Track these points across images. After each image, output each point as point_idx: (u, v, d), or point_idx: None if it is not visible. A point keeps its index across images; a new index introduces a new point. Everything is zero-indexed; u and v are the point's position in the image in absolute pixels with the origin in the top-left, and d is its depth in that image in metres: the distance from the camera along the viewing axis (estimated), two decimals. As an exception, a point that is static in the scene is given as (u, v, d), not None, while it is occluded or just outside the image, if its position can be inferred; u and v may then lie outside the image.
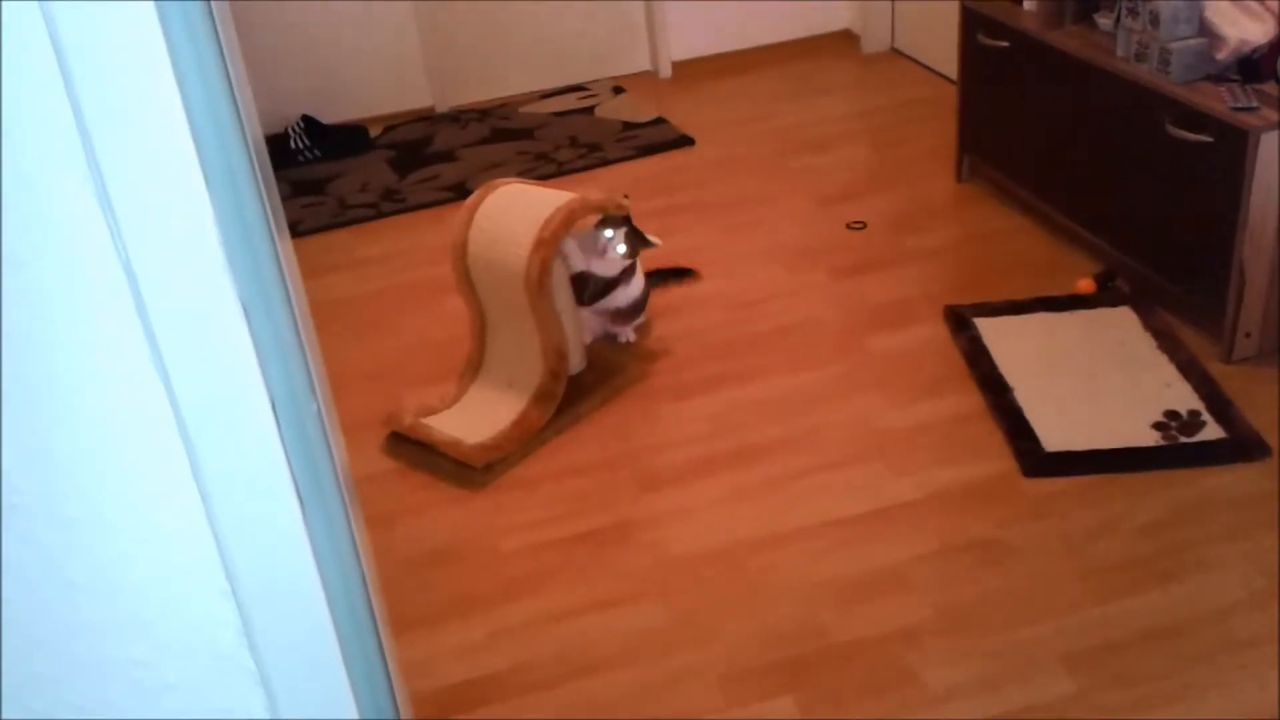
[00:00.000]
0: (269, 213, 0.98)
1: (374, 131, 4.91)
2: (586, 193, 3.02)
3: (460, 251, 3.06)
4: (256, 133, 1.02)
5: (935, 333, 3.22)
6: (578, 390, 3.07)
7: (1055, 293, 3.32)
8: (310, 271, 3.93)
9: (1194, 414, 2.79)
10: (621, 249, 3.05)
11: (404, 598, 2.51)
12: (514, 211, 3.01)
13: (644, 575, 2.50)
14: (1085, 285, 3.32)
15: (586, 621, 2.40)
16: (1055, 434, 2.76)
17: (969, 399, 2.95)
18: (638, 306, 3.25)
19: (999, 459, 2.73)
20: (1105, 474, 2.65)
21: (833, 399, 3.00)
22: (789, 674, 2.23)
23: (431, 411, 3.07)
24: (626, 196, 3.07)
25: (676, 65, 5.26)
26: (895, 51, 5.22)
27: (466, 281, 3.08)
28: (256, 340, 0.94)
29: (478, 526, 2.70)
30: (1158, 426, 2.77)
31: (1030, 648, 2.24)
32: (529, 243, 2.90)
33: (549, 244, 2.90)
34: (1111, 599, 2.32)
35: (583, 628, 2.38)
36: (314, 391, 1.01)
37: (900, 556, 2.48)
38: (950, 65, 4.67)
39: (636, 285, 3.21)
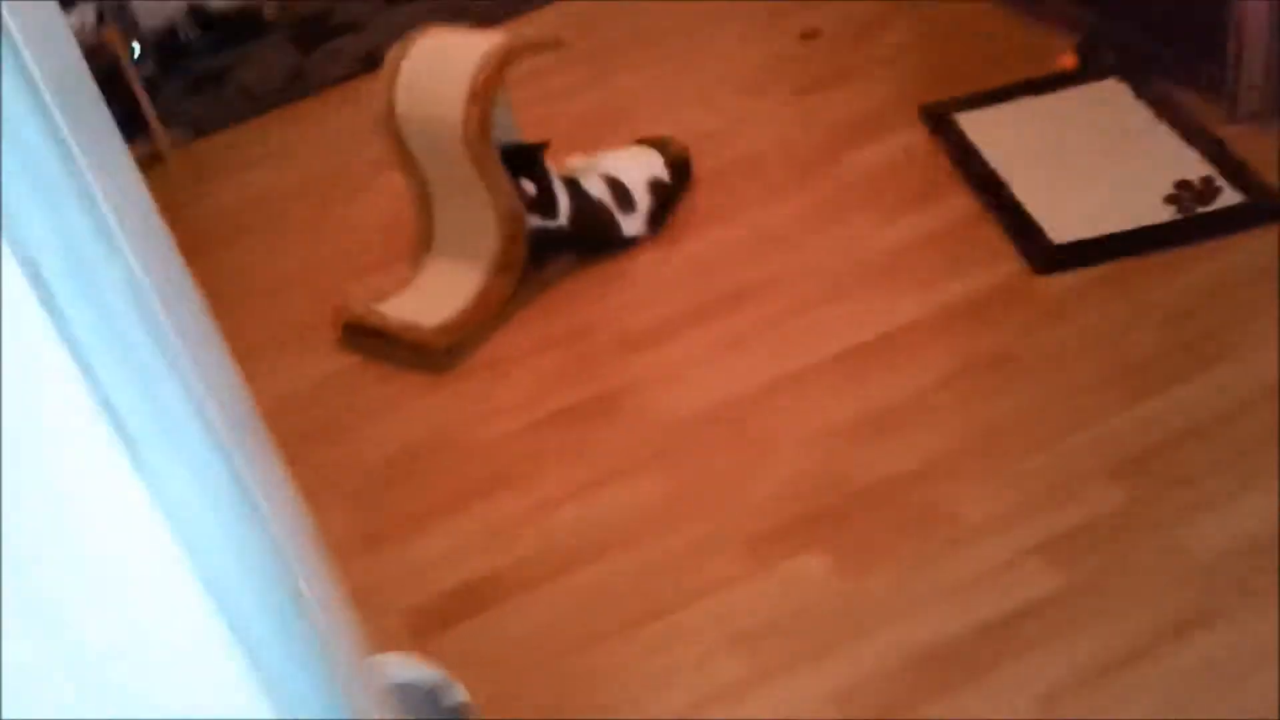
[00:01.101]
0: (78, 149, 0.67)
1: (268, 12, 4.48)
2: (517, 33, 2.68)
3: (388, 118, 2.73)
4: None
5: (915, 137, 2.95)
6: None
7: (1036, 74, 3.04)
8: (222, 172, 3.59)
9: (1207, 181, 2.55)
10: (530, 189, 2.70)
11: (381, 505, 2.27)
12: (441, 64, 2.68)
13: (640, 446, 2.28)
14: (1067, 60, 3.04)
15: (585, 504, 2.18)
16: (1062, 224, 2.52)
17: (963, 202, 2.69)
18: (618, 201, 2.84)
19: (1006, 260, 2.49)
20: (1122, 259, 2.42)
21: (815, 225, 2.74)
22: (814, 528, 2.03)
23: (385, 296, 2.79)
24: (559, 43, 2.71)
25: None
26: None
27: (401, 150, 2.77)
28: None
29: (450, 416, 2.45)
30: (1171, 200, 2.53)
31: (1070, 461, 2.04)
32: (462, 96, 2.58)
33: (484, 94, 2.58)
34: (1147, 396, 2.12)
35: (582, 511, 2.16)
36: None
37: (916, 383, 2.25)
38: None
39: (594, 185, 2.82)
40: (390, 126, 2.74)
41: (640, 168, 2.85)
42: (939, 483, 2.05)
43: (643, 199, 2.82)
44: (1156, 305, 2.29)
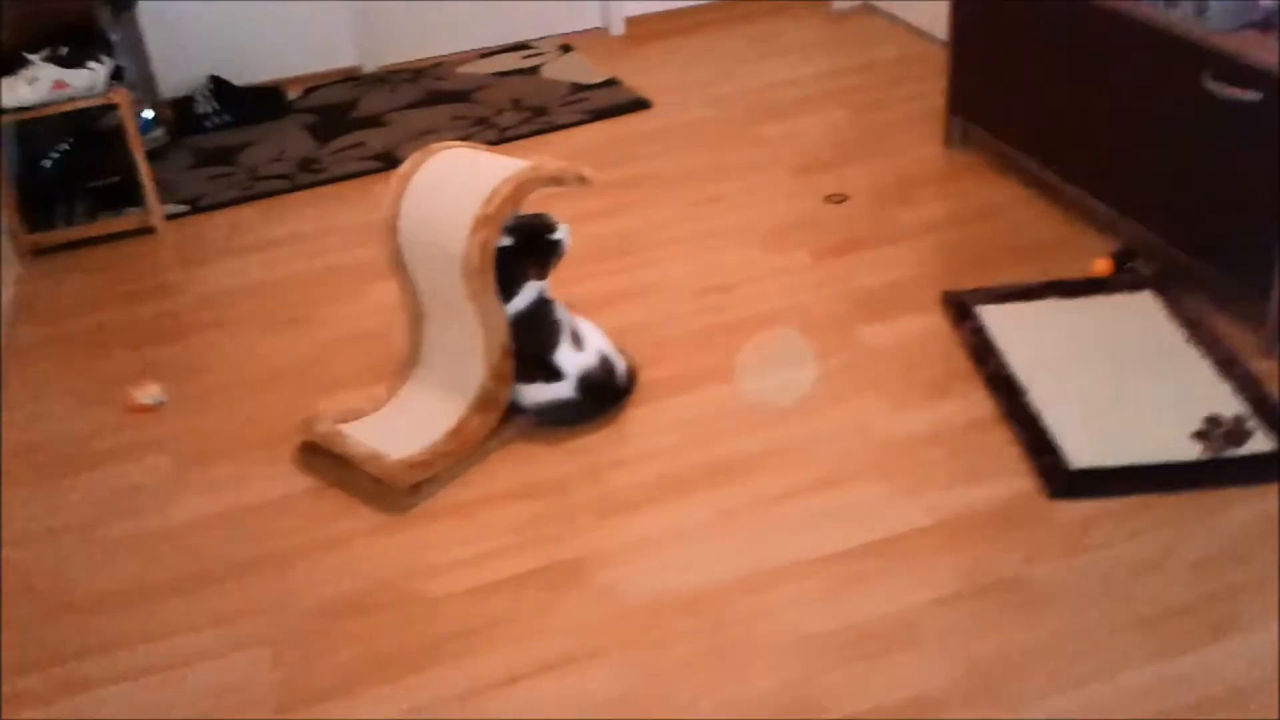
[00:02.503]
0: None
1: (291, 94, 4.39)
2: (540, 160, 2.54)
3: (391, 229, 2.59)
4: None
5: (933, 323, 2.80)
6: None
7: (1066, 276, 2.91)
8: (213, 254, 3.44)
9: (1239, 420, 2.40)
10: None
11: (307, 661, 2.05)
12: (454, 182, 2.54)
13: (601, 627, 2.06)
14: (1101, 266, 2.92)
15: (530, 690, 1.96)
16: (1081, 446, 2.36)
17: (978, 402, 2.53)
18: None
19: (1018, 476, 2.32)
20: (1143, 495, 2.25)
21: (821, 402, 2.57)
22: (782, 756, 1.81)
23: (356, 416, 2.60)
24: (584, 178, 2.57)
25: (630, 21, 4.78)
26: (868, 7, 4.77)
27: (399, 264, 2.61)
28: None
29: (400, 564, 2.25)
30: (1198, 436, 2.37)
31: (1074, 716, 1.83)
32: (469, 221, 2.43)
33: (493, 222, 2.43)
34: (1166, 655, 1.92)
35: (526, 699, 1.94)
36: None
37: (910, 601, 2.06)
38: (930, 21, 4.25)
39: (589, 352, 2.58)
40: (391, 236, 2.59)
41: (597, 336, 2.65)
42: (924, 723, 1.84)
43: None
44: (1179, 553, 2.11)
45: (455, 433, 2.50)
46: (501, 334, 2.50)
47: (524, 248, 2.49)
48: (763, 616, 2.05)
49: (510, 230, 2.48)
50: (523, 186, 2.46)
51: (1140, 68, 2.78)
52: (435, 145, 2.66)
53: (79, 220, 3.58)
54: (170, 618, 2.17)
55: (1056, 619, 2.00)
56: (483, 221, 2.41)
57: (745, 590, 2.11)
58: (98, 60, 3.50)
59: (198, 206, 3.70)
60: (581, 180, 2.55)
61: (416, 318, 2.68)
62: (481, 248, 2.41)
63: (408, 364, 2.70)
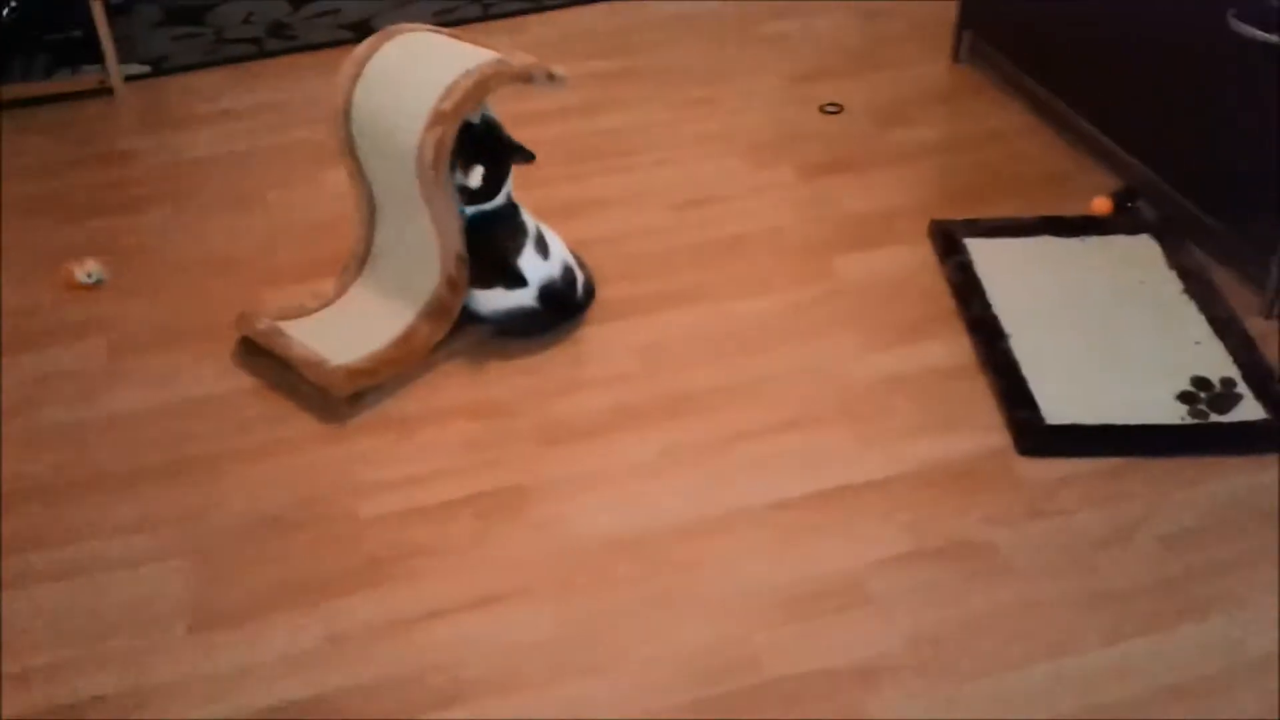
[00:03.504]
0: None
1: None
2: (507, 54, 2.35)
3: (343, 116, 2.41)
4: None
5: (918, 255, 2.65)
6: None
7: (1064, 211, 2.75)
8: (170, 121, 3.26)
9: (1228, 383, 2.27)
10: (476, 179, 2.30)
11: (225, 577, 1.95)
12: (412, 71, 2.35)
13: (536, 563, 1.96)
14: (1101, 205, 2.75)
15: (456, 626, 1.86)
16: (1059, 400, 2.23)
17: (955, 345, 2.40)
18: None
19: (989, 429, 2.20)
20: (1118, 458, 2.13)
21: (791, 336, 2.44)
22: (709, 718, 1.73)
23: (300, 313, 2.47)
24: (554, 76, 2.38)
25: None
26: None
27: (351, 154, 2.44)
28: None
29: (334, 480, 2.13)
30: (1184, 398, 2.24)
31: (1025, 699, 1.74)
32: (424, 114, 2.26)
33: (449, 119, 2.26)
34: (1124, 637, 1.82)
35: (450, 635, 1.85)
36: None
37: (861, 558, 1.95)
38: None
39: (553, 260, 2.44)
40: (343, 124, 2.41)
41: (560, 244, 2.51)
42: (863, 693, 1.75)
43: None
44: (1149, 524, 2.00)
45: (402, 340, 2.36)
46: (457, 239, 2.34)
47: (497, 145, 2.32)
48: (705, 566, 1.95)
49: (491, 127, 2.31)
50: (485, 82, 2.28)
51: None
52: (395, 27, 2.47)
53: (36, 76, 3.38)
54: (88, 519, 2.06)
55: (1011, 588, 1.90)
56: (439, 117, 2.24)
57: (689, 536, 2.00)
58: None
59: (160, 68, 3.50)
60: (551, 79, 2.36)
61: (369, 212, 2.52)
62: (436, 145, 2.24)
63: (357, 261, 2.55)
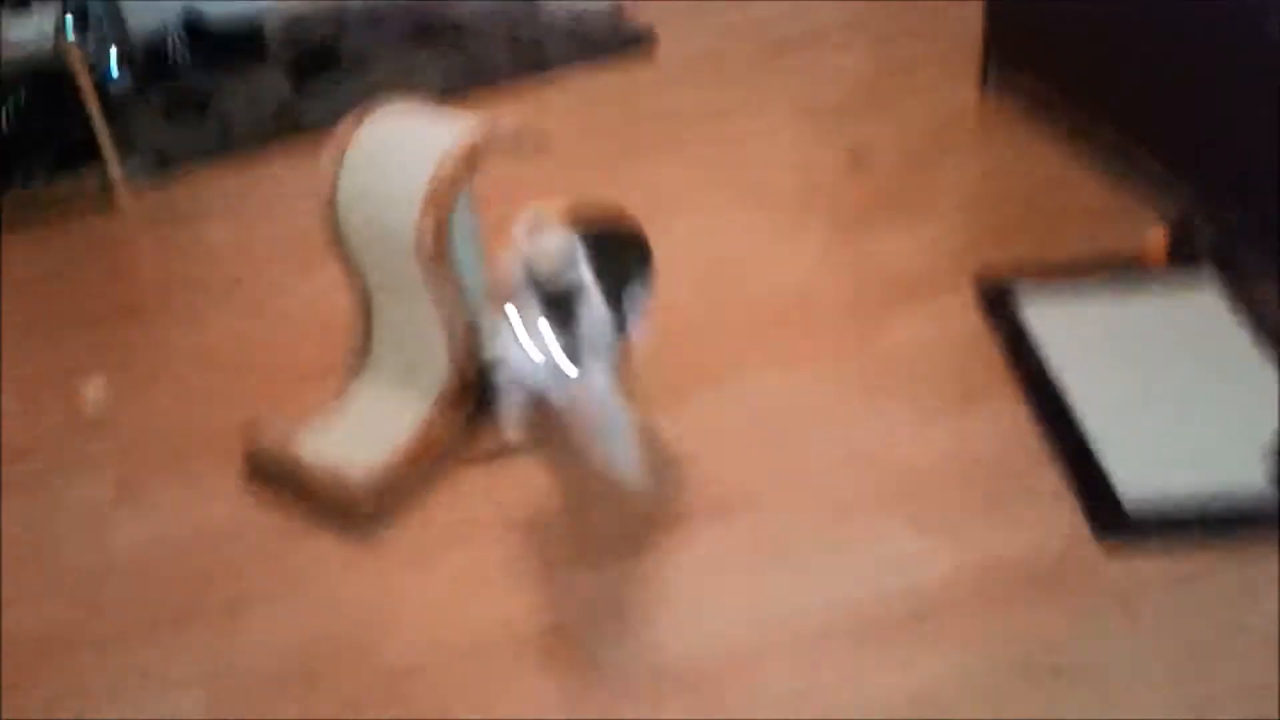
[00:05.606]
0: None
1: (271, 27, 4.04)
2: (490, 120, 2.21)
3: (329, 208, 2.28)
4: None
5: (963, 312, 2.48)
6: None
7: (1114, 246, 2.57)
8: (175, 217, 3.18)
9: (1314, 438, 2.08)
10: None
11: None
12: (396, 150, 2.22)
13: (578, 705, 1.81)
14: (1156, 240, 2.56)
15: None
16: (1136, 474, 2.04)
17: (1011, 412, 2.22)
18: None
19: (1061, 511, 2.01)
20: (1209, 540, 1.94)
21: (831, 414, 2.27)
22: None
23: (308, 418, 2.31)
24: (540, 144, 2.23)
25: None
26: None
27: (341, 250, 2.31)
28: None
29: (356, 614, 1.99)
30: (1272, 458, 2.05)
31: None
32: (414, 199, 2.12)
33: (442, 201, 2.12)
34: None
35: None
36: None
37: (931, 673, 1.78)
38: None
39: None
40: (331, 221, 2.28)
41: None
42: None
43: None
44: (1255, 621, 1.80)
45: (419, 434, 2.22)
46: (461, 325, 2.21)
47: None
48: (761, 693, 1.78)
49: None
50: (473, 154, 2.14)
51: (1199, 10, 2.39)
52: (368, 108, 2.33)
53: (37, 181, 3.30)
54: (105, 677, 1.93)
55: (1103, 703, 1.72)
56: (432, 201, 2.10)
57: (741, 660, 1.83)
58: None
59: (164, 164, 3.40)
60: (540, 145, 2.24)
61: (365, 304, 2.38)
62: (435, 229, 2.11)
63: (358, 355, 2.41)
